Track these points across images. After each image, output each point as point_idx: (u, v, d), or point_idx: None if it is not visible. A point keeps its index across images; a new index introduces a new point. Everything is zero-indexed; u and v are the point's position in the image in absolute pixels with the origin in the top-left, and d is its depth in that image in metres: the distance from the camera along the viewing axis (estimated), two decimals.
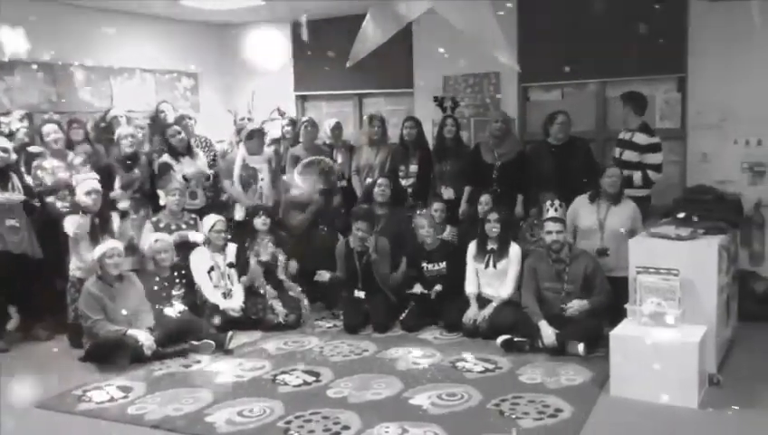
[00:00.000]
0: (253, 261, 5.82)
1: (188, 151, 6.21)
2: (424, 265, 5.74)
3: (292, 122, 7.14)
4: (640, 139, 5.61)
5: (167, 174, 6.01)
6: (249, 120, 6.59)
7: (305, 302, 5.86)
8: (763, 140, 5.97)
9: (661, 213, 5.49)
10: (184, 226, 5.80)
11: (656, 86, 6.52)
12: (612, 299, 4.84)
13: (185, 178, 6.02)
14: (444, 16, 3.84)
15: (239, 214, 6.21)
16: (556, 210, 5.03)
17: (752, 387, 4.23)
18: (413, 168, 6.43)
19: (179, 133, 6.16)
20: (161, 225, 5.71)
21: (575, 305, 4.90)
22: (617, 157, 5.74)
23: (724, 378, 4.29)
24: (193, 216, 5.95)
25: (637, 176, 5.55)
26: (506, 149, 6.17)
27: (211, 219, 5.78)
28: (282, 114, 7.37)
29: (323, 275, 5.84)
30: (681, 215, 4.96)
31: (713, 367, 4.32)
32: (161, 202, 5.85)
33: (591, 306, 4.88)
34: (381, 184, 6.15)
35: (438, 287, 5.65)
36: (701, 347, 4.01)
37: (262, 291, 5.76)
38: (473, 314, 5.36)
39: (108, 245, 5.05)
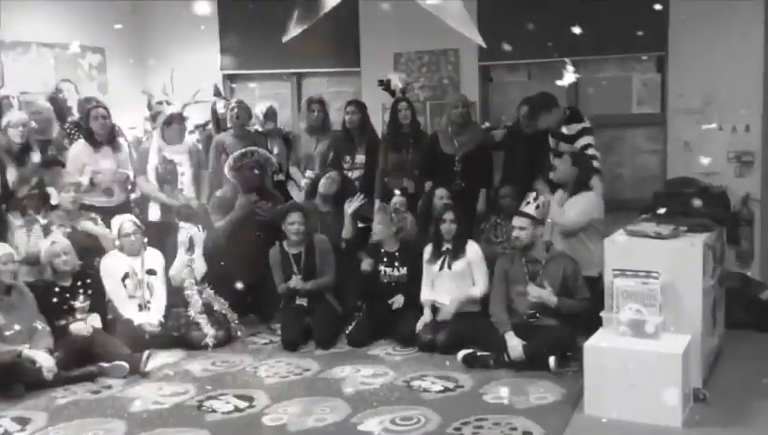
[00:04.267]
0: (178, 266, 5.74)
1: (111, 141, 6.03)
2: (381, 268, 5.75)
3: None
4: (570, 129, 5.85)
5: (56, 167, 5.87)
6: (167, 103, 6.48)
7: (233, 316, 5.80)
8: (752, 125, 6.16)
9: (639, 209, 5.62)
10: (80, 228, 5.65)
11: (633, 66, 6.68)
12: (589, 309, 4.89)
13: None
14: None
15: (154, 214, 6.12)
16: (528, 203, 5.06)
17: (741, 402, 4.35)
18: (360, 157, 6.45)
19: (104, 118, 5.97)
20: (53, 227, 5.55)
21: (536, 292, 4.95)
22: (553, 147, 5.93)
23: (710, 393, 4.40)
24: (93, 215, 5.83)
25: None
26: (468, 138, 6.25)
27: (117, 221, 5.69)
28: (219, 93, 7.28)
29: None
30: (662, 210, 5.08)
31: (698, 381, 4.43)
32: (53, 201, 5.71)
33: (560, 306, 4.93)
34: (330, 176, 6.10)
35: (400, 300, 5.67)
36: (685, 359, 4.11)
37: (191, 300, 5.70)
38: (426, 320, 5.44)
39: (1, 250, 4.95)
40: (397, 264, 5.74)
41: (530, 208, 5.06)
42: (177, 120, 6.21)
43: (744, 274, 6.07)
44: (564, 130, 5.90)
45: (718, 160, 6.23)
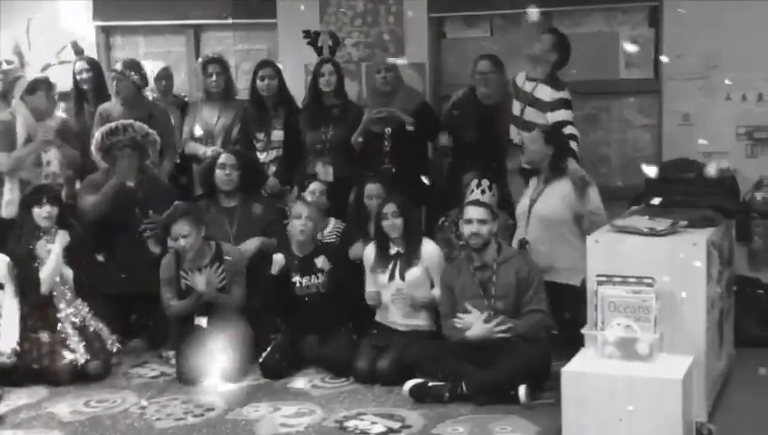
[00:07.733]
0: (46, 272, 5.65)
1: None
2: (295, 279, 5.74)
3: (93, 65, 6.93)
4: (544, 93, 5.92)
5: None
6: (20, 62, 6.37)
7: (112, 339, 5.75)
8: (766, 94, 6.29)
9: (628, 198, 5.70)
10: None
11: (620, 19, 6.76)
12: (549, 321, 5.01)
13: None
14: None
15: (7, 209, 6.07)
16: (483, 192, 5.12)
17: None
18: (277, 134, 6.47)
19: None
20: None
21: (477, 331, 5.01)
22: (517, 115, 6.04)
23: (717, 427, 4.50)
24: None
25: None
26: (398, 109, 6.30)
27: None
28: (79, 52, 7.17)
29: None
30: (656, 201, 5.15)
31: (702, 413, 4.52)
32: None
33: (516, 332, 4.99)
34: (226, 164, 6.07)
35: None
36: (686, 386, 4.17)
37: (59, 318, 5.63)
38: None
39: None
40: (313, 270, 5.75)
41: (486, 197, 5.10)
42: (43, 87, 6.16)
43: (758, 279, 6.20)
44: (538, 92, 5.93)
45: (726, 137, 6.34)
